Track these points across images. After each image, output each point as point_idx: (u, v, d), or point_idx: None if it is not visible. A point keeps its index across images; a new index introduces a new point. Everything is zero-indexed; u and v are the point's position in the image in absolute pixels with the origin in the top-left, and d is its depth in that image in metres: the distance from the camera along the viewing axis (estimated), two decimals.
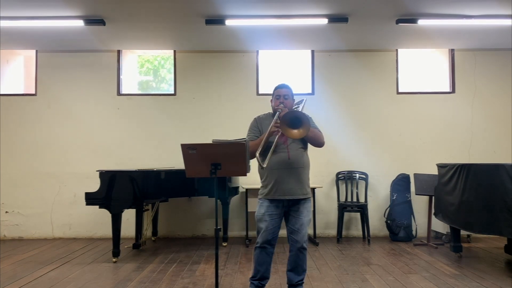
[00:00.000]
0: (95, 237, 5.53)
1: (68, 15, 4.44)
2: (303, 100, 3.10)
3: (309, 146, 2.97)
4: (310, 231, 5.35)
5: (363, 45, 5.56)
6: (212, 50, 5.66)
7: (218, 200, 4.40)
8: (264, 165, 2.68)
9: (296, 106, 3.05)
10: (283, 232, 2.96)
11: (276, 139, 2.71)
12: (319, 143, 2.90)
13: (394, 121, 5.68)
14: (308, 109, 5.46)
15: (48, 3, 4.13)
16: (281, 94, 2.90)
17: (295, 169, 2.82)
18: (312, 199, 2.94)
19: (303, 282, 2.89)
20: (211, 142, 2.58)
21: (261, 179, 2.94)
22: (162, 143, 5.62)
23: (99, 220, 5.44)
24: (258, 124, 2.96)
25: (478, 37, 5.23)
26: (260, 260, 2.88)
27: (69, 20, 4.54)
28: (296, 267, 2.85)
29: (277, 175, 2.79)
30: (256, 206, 2.93)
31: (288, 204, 2.84)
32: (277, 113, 2.74)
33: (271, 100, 2.99)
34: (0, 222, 5.52)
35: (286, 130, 2.59)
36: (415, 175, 5.04)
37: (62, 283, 3.51)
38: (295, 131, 2.60)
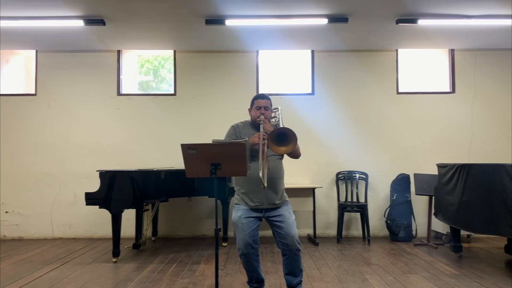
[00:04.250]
0: (95, 237, 5.53)
1: (68, 15, 4.44)
2: (278, 108, 3.07)
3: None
4: (310, 231, 5.36)
5: (363, 45, 5.56)
6: (212, 50, 5.66)
7: (218, 200, 4.39)
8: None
9: (274, 115, 3.03)
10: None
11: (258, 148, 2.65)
12: (296, 155, 2.92)
13: (394, 121, 5.68)
14: (308, 109, 5.56)
15: (48, 3, 4.13)
16: (261, 105, 2.89)
17: (274, 179, 2.82)
18: (289, 201, 2.96)
19: (302, 282, 2.91)
20: (211, 142, 2.57)
21: (236, 186, 2.93)
22: (162, 143, 5.62)
23: (99, 220, 5.44)
24: (236, 132, 2.93)
25: (478, 37, 5.23)
26: (248, 267, 2.88)
27: (69, 20, 4.54)
28: (293, 269, 2.85)
29: (256, 185, 2.75)
30: (233, 211, 2.92)
31: (267, 211, 2.84)
32: (261, 125, 2.74)
33: (249, 110, 2.98)
34: (0, 222, 5.52)
35: (273, 147, 2.60)
36: (415, 175, 5.05)
37: (62, 283, 3.51)
38: (282, 148, 2.62)
